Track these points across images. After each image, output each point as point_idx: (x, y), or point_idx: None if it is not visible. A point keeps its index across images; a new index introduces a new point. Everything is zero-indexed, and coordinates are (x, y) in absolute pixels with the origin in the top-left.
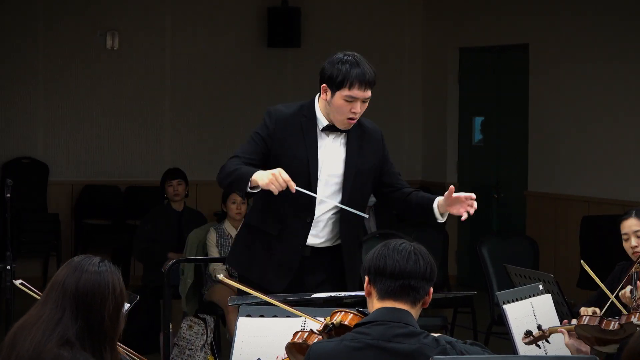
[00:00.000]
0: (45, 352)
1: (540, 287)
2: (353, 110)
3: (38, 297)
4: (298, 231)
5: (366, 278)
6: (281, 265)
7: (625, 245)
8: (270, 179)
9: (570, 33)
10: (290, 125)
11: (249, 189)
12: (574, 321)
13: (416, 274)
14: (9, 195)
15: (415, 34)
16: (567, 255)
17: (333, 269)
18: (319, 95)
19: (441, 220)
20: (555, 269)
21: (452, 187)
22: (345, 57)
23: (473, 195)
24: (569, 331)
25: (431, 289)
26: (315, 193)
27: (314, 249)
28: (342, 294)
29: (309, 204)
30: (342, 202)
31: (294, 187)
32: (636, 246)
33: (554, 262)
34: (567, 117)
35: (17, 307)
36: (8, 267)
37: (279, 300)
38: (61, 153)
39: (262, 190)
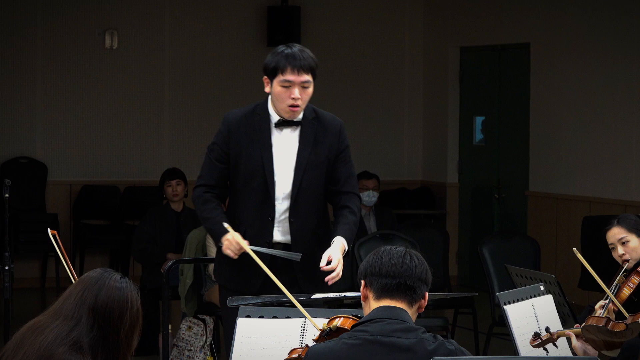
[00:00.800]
0: (55, 356)
1: (542, 287)
2: (292, 96)
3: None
4: (262, 229)
5: (362, 282)
6: (250, 266)
7: (614, 254)
8: (226, 244)
9: (571, 32)
10: (244, 125)
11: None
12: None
13: (412, 274)
14: (7, 195)
15: (415, 33)
16: (568, 255)
17: (290, 268)
18: None
19: None
20: (557, 269)
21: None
22: (282, 47)
23: (329, 267)
24: (576, 335)
25: (427, 294)
26: (274, 190)
27: (285, 245)
28: (343, 294)
29: (268, 202)
30: (292, 196)
31: (246, 246)
32: (624, 254)
33: (555, 263)
34: (568, 117)
35: (15, 309)
36: (6, 268)
37: (279, 301)
38: (59, 153)
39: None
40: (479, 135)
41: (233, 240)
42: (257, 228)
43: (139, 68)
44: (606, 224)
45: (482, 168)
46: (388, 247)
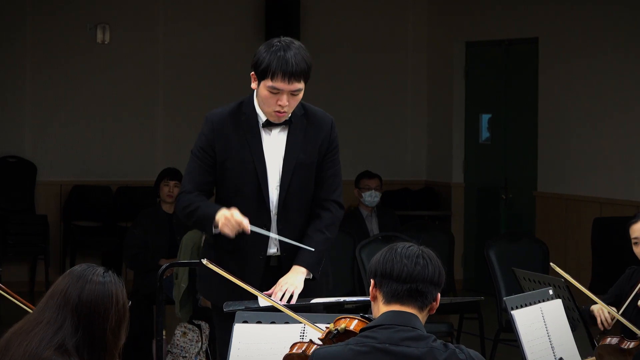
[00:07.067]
0: None
1: (551, 291)
2: (279, 103)
3: (17, 302)
4: (258, 240)
5: (371, 281)
6: (243, 276)
7: (636, 249)
8: (223, 222)
9: (581, 26)
10: (230, 126)
11: (214, 231)
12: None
13: (424, 278)
14: None
15: (419, 27)
16: (578, 258)
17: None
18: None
19: None
20: (566, 272)
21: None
22: (276, 43)
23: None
24: None
25: (439, 295)
26: (269, 197)
27: (277, 257)
28: (342, 299)
29: (263, 210)
30: (279, 201)
31: (248, 228)
32: None
33: (565, 266)
34: (578, 114)
35: (3, 313)
36: None
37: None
38: (49, 152)
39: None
40: (485, 134)
41: (232, 218)
42: (253, 239)
43: (132, 64)
44: (617, 225)
45: (488, 167)
46: (401, 245)
